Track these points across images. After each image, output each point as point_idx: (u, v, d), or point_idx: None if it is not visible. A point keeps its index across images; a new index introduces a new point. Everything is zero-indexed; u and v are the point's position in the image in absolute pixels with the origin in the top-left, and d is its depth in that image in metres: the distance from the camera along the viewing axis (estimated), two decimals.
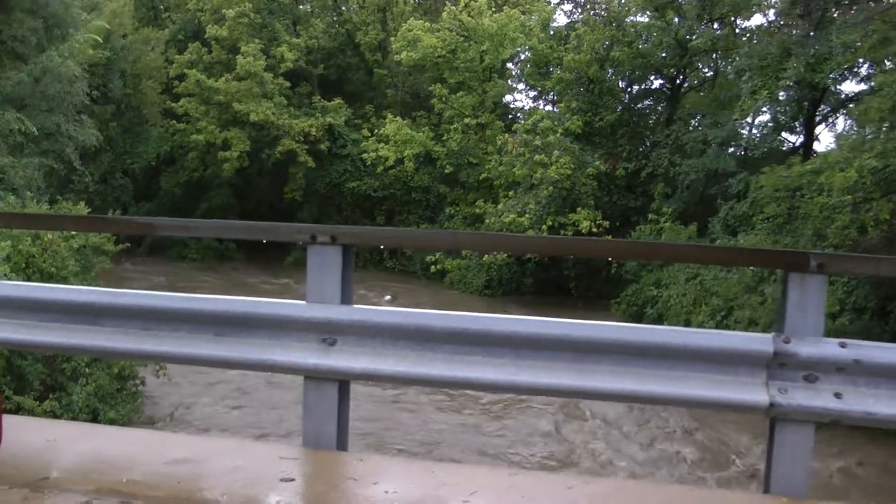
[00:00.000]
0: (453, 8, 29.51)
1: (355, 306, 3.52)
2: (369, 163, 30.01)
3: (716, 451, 11.69)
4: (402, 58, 29.45)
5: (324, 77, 33.47)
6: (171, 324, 3.62)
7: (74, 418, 9.41)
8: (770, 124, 22.65)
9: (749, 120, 23.38)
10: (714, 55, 25.69)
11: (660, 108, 28.38)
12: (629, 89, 28.91)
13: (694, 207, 23.24)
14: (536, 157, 23.71)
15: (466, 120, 29.09)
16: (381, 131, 29.95)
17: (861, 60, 18.17)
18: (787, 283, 3.21)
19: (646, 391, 3.26)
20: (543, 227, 22.86)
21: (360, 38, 33.59)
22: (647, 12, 25.88)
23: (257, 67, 29.60)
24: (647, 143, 26.48)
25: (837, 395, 3.15)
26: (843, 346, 3.18)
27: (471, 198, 28.80)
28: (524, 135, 24.98)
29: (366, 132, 30.96)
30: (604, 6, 28.24)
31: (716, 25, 24.97)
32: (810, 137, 22.40)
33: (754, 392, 3.19)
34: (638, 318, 19.90)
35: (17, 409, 8.37)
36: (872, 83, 17.78)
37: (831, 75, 18.72)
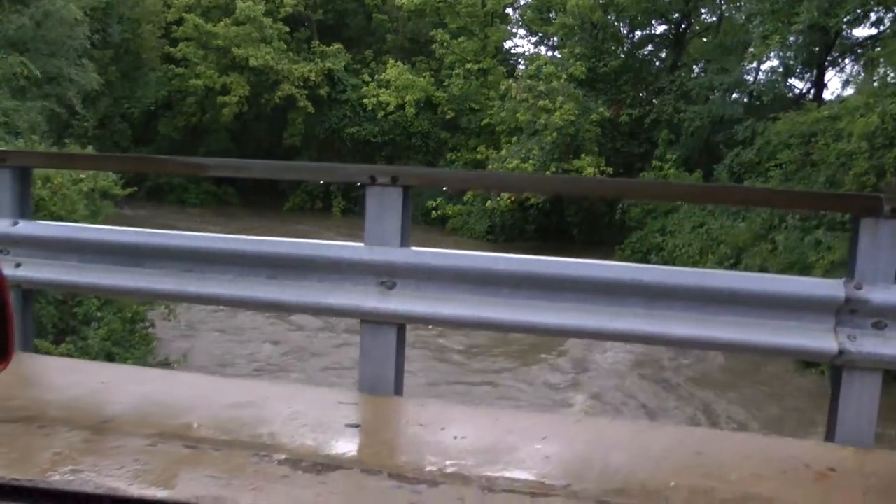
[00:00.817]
0: None
1: (415, 248, 3.44)
2: (369, 108, 29.73)
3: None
4: (403, 2, 28.99)
5: (322, 22, 32.98)
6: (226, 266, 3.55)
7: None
8: (780, 69, 22.39)
9: (755, 65, 23.11)
10: (719, 0, 25.29)
11: (664, 54, 28.04)
12: (633, 35, 28.55)
13: (698, 154, 23.14)
14: (540, 102, 23.47)
15: (468, 65, 28.73)
16: (381, 76, 29.59)
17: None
18: (857, 228, 3.12)
19: (714, 337, 3.20)
20: (547, 173, 22.63)
21: None
22: None
23: (257, 12, 29.17)
24: (652, 90, 26.19)
25: None
26: None
27: (472, 143, 28.55)
28: (528, 80, 24.67)
29: (366, 77, 30.59)
30: None
31: None
32: (820, 83, 22.16)
33: (822, 339, 3.11)
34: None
35: (36, 351, 8.31)
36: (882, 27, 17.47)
37: (845, 19, 18.40)
